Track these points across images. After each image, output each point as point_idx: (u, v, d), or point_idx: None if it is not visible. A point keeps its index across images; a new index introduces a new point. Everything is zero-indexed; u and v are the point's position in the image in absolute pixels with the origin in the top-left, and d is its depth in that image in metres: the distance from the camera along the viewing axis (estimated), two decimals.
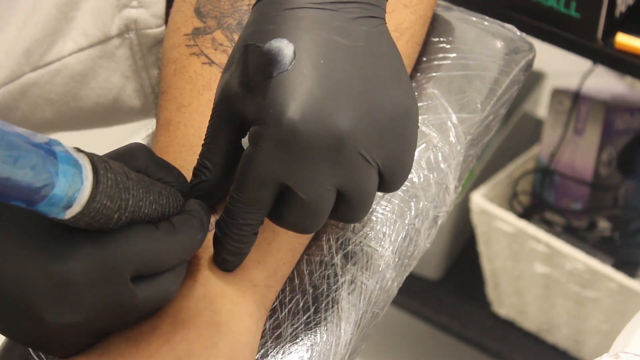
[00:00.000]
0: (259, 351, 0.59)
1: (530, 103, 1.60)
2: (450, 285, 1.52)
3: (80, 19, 0.73)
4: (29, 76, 0.73)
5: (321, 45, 0.52)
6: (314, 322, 0.61)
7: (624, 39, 1.03)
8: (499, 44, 0.75)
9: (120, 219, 0.49)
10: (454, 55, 0.74)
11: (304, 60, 0.51)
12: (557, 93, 1.42)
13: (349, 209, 0.54)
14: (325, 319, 0.61)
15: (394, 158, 0.54)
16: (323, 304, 0.61)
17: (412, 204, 0.67)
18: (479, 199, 1.40)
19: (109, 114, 0.78)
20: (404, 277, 0.67)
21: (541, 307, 1.43)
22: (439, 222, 0.69)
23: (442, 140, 0.70)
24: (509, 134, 1.53)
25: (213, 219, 0.58)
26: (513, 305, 1.46)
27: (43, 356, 0.59)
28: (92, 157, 0.48)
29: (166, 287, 0.52)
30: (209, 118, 0.56)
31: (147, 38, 0.75)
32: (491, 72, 0.74)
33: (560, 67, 1.53)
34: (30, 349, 0.59)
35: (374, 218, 0.65)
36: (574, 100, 1.40)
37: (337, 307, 0.61)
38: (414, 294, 1.49)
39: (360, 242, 0.64)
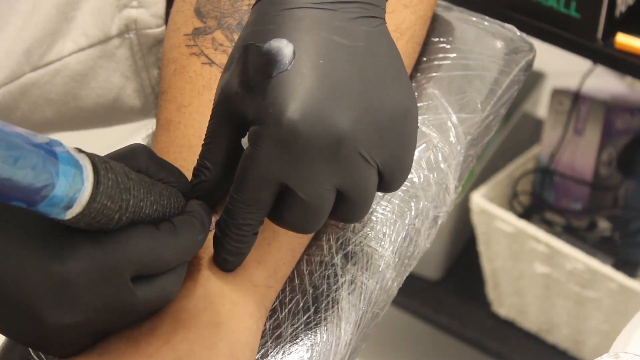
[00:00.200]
0: (259, 351, 0.59)
1: (530, 103, 1.60)
2: (450, 285, 1.52)
3: (80, 19, 0.73)
4: (29, 76, 0.73)
5: (321, 45, 0.52)
6: (314, 322, 0.61)
7: (624, 39, 1.03)
8: (499, 44, 0.75)
9: (121, 220, 0.49)
10: (454, 55, 0.74)
11: (304, 60, 0.51)
12: (557, 93, 1.42)
13: (349, 208, 0.54)
14: (325, 319, 0.61)
15: (394, 158, 0.54)
16: (323, 304, 0.61)
17: (412, 204, 0.67)
18: (479, 199, 1.40)
19: (109, 114, 0.78)
20: (404, 277, 0.67)
21: (541, 307, 1.43)
22: (439, 222, 0.69)
23: (442, 140, 0.70)
24: (509, 134, 1.53)
25: (213, 219, 0.58)
26: (513, 305, 1.46)
27: (43, 356, 0.59)
28: (92, 157, 0.48)
29: (167, 288, 0.52)
30: (209, 118, 0.56)
31: (147, 38, 0.75)
32: (491, 72, 0.74)
33: (560, 67, 1.53)
34: (30, 349, 0.59)
35: (374, 218, 0.65)
36: (574, 100, 1.39)
37: (337, 307, 0.61)
38: (414, 294, 1.49)
39: (360, 242, 0.64)
